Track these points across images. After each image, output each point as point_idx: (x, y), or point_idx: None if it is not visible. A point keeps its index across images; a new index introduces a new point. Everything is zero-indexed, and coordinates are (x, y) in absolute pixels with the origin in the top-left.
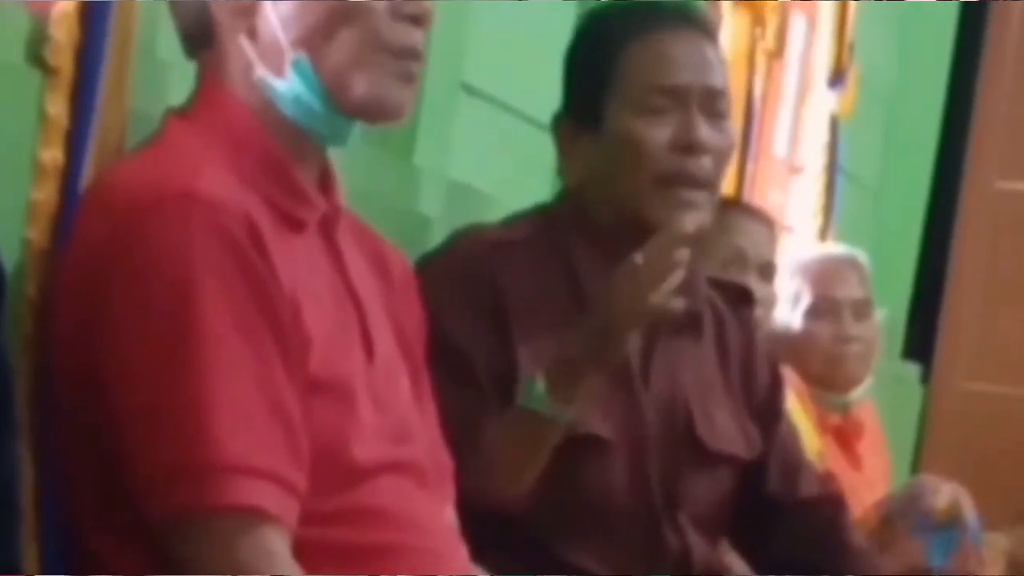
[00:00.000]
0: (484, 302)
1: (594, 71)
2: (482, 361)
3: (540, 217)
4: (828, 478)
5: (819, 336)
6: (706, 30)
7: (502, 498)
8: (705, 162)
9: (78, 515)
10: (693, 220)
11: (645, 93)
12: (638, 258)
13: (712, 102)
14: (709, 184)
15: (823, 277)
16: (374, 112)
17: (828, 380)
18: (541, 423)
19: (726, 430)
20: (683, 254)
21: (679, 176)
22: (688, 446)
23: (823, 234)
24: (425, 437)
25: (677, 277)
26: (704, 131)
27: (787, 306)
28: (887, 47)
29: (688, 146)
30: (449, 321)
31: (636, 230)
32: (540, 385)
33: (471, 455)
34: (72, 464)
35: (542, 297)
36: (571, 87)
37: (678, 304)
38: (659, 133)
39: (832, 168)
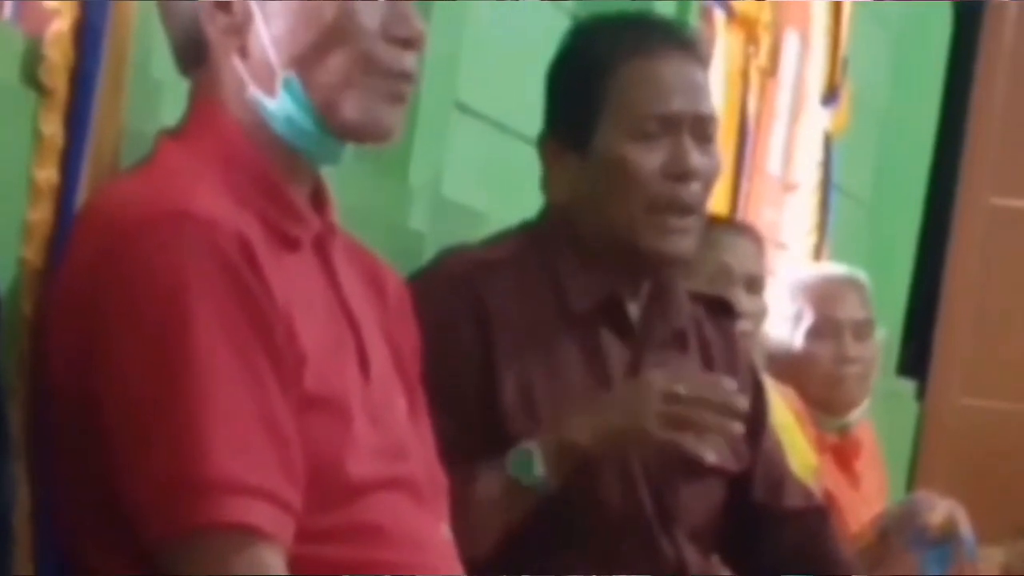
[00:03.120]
0: (468, 324)
1: (583, 92)
2: (464, 386)
3: (525, 235)
4: (813, 491)
5: (819, 357)
6: (695, 52)
7: (469, 556)
8: (695, 188)
9: (75, 533)
10: (684, 244)
11: (637, 119)
12: (681, 388)
13: (702, 128)
14: (698, 209)
15: (825, 297)
16: (363, 134)
17: (827, 401)
18: (526, 492)
19: (715, 443)
20: (735, 426)
21: (671, 203)
22: (679, 461)
23: (818, 251)
24: (420, 454)
25: (716, 432)
26: (695, 158)
27: (788, 326)
28: (880, 64)
29: (681, 174)
30: (432, 343)
31: (627, 254)
32: (539, 464)
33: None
34: (68, 483)
35: (529, 317)
36: (557, 106)
37: (710, 457)
38: (651, 159)
39: (826, 185)
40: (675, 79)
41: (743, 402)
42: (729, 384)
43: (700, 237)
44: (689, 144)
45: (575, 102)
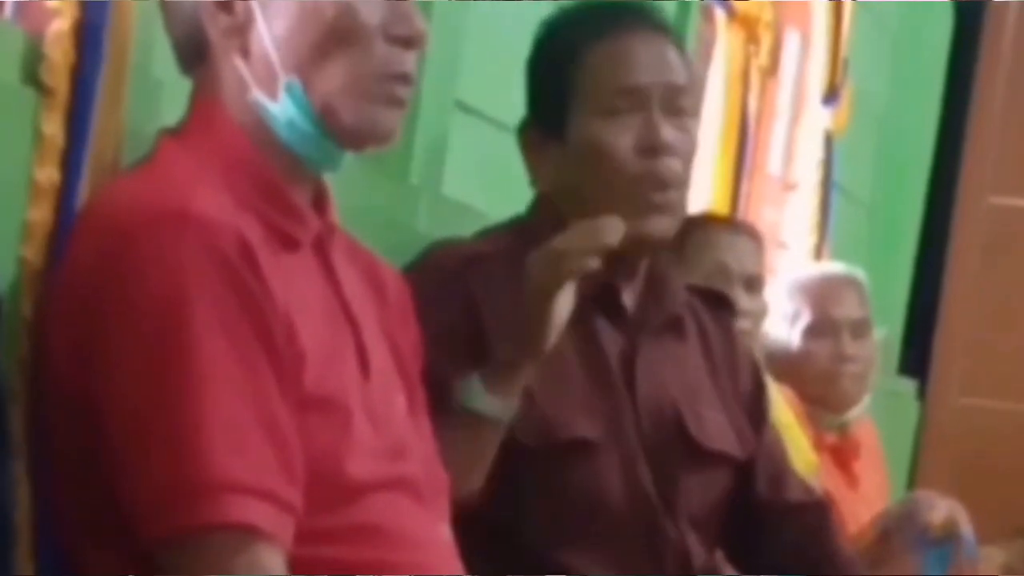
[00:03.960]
0: (460, 317)
1: (555, 78)
2: (457, 379)
3: (515, 228)
4: (814, 487)
5: (817, 355)
6: (664, 30)
7: (455, 498)
8: (672, 163)
9: (76, 534)
10: (665, 224)
11: (606, 95)
12: (555, 242)
13: (674, 100)
14: (678, 184)
15: (822, 296)
16: (362, 139)
17: (824, 399)
18: (482, 422)
19: (718, 429)
20: (612, 233)
21: (647, 179)
22: (681, 446)
23: (818, 251)
24: (421, 453)
25: (594, 248)
26: (667, 132)
27: (785, 325)
28: (881, 64)
29: (652, 148)
30: (425, 337)
31: None
32: (477, 383)
33: None
34: (69, 483)
35: (518, 309)
36: (534, 95)
37: (593, 264)
38: (623, 137)
39: (827, 185)
40: (642, 54)
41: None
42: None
43: (684, 216)
44: (660, 118)
45: (549, 89)
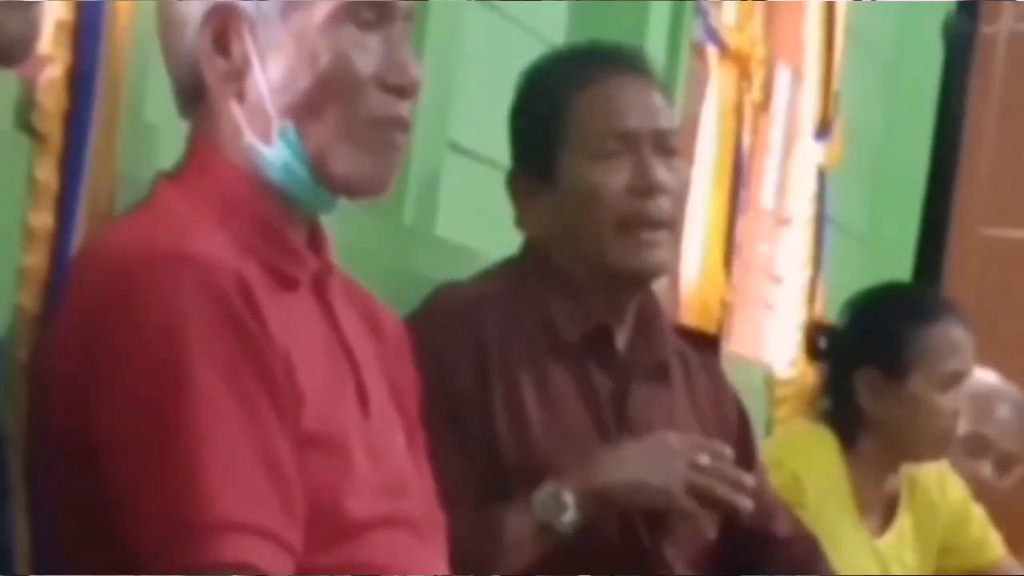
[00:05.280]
0: (467, 359)
1: (543, 124)
2: (466, 420)
3: (512, 269)
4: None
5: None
6: (647, 74)
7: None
8: (663, 202)
9: (73, 571)
10: (657, 259)
11: (597, 139)
12: (703, 459)
13: (663, 142)
14: (669, 224)
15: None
16: (353, 190)
17: None
18: (555, 534)
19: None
20: (745, 502)
21: (639, 218)
22: None
23: (813, 285)
24: (420, 491)
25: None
26: (660, 172)
27: None
28: (872, 97)
29: (646, 189)
30: (432, 380)
31: (605, 276)
32: (574, 511)
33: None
34: (67, 526)
35: (522, 348)
36: (521, 143)
37: (746, 504)
38: (615, 179)
39: (820, 219)
40: (630, 99)
41: (751, 479)
42: (729, 453)
43: (676, 251)
44: (651, 159)
45: (536, 136)
